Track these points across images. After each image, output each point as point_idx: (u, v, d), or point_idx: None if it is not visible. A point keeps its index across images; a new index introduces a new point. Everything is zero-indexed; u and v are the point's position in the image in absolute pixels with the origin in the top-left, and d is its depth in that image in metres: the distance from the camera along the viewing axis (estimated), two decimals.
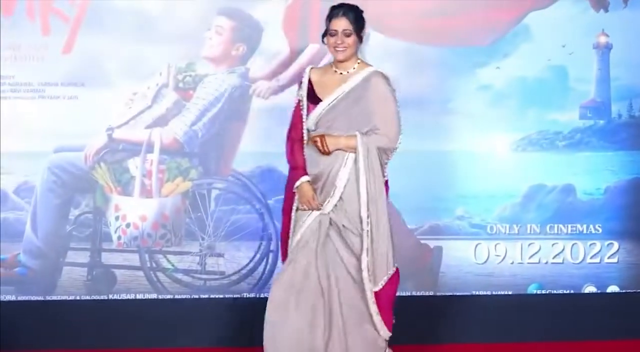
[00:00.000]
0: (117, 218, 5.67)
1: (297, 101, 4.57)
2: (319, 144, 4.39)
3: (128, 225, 5.67)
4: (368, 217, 4.43)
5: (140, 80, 5.63)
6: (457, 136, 5.83)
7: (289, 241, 4.53)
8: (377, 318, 4.50)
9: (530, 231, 5.92)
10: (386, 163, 4.53)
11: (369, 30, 5.33)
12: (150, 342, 5.51)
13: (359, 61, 4.51)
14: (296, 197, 4.50)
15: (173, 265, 5.70)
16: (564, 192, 5.91)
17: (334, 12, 4.45)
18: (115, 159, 5.66)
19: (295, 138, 4.55)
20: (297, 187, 4.45)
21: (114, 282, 5.69)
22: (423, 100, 5.76)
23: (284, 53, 5.62)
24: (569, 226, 5.93)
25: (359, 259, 4.45)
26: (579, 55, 5.82)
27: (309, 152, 4.51)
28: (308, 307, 4.35)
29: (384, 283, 4.53)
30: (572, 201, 5.92)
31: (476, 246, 5.87)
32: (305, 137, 4.53)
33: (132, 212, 5.66)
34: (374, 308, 4.46)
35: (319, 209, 4.42)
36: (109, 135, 5.63)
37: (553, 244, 5.92)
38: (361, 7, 5.29)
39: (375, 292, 4.49)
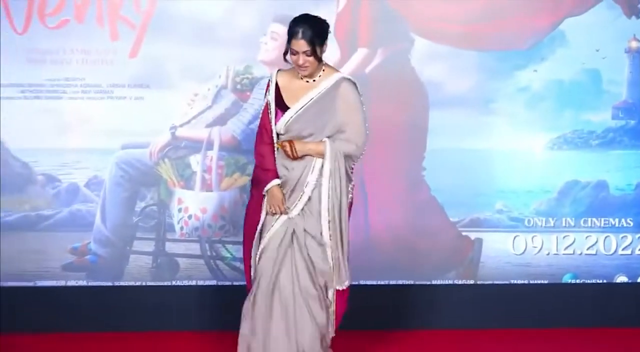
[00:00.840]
0: (179, 210, 5.78)
1: (265, 104, 4.50)
2: (288, 149, 4.36)
3: (190, 217, 5.77)
4: (329, 221, 4.39)
5: (201, 82, 5.71)
6: (497, 135, 5.86)
7: (254, 242, 4.45)
8: (332, 317, 4.50)
9: (565, 224, 5.95)
10: (352, 170, 4.50)
11: (414, 36, 5.66)
12: (210, 325, 5.62)
13: (324, 68, 4.44)
14: (265, 199, 4.42)
15: (231, 254, 5.79)
16: (597, 188, 5.94)
17: (294, 30, 4.30)
18: (177, 156, 5.76)
19: (265, 141, 4.47)
20: (267, 190, 4.39)
21: (177, 269, 5.81)
22: (465, 101, 5.82)
23: (335, 56, 5.63)
24: (602, 219, 5.96)
25: (314, 270, 4.39)
26: (611, 59, 5.84)
27: (277, 156, 4.47)
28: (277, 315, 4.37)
29: (344, 287, 4.49)
30: (604, 196, 5.94)
31: (514, 238, 5.92)
32: (275, 141, 4.47)
33: (194, 205, 5.76)
34: (331, 309, 4.48)
35: (286, 213, 4.37)
36: (172, 134, 5.73)
37: (587, 237, 5.96)
38: (408, 14, 5.54)
39: (337, 291, 4.49)
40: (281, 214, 4.36)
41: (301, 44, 4.25)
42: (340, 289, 4.47)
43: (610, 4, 5.80)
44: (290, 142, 4.34)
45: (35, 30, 5.57)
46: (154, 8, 5.62)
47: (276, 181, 4.37)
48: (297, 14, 4.42)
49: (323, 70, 4.41)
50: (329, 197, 4.36)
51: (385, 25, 5.76)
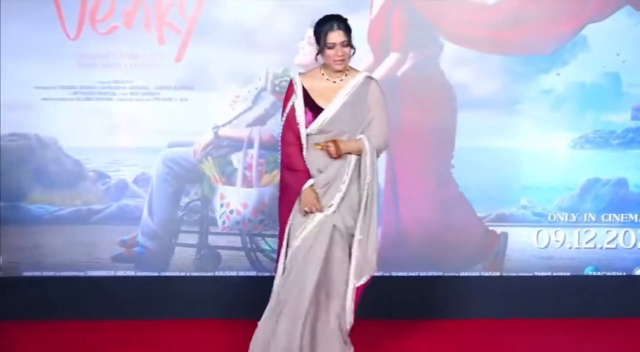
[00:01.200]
0: (222, 205, 5.86)
1: (290, 106, 4.42)
2: (333, 149, 4.31)
3: (231, 211, 5.86)
4: (365, 215, 4.40)
5: (242, 84, 5.79)
6: (521, 135, 5.90)
7: (283, 243, 4.44)
8: (350, 309, 4.45)
9: (587, 219, 5.99)
10: None
11: (443, 41, 5.75)
12: (250, 314, 5.22)
13: (348, 69, 4.43)
14: (296, 201, 4.38)
15: (270, 246, 5.86)
16: (617, 185, 5.98)
17: (328, 25, 4.31)
18: (220, 154, 5.85)
19: (293, 142, 4.40)
20: (302, 191, 4.34)
21: (219, 261, 5.90)
22: (492, 103, 5.87)
23: (368, 61, 5.71)
24: (622, 215, 6.00)
25: (347, 265, 4.40)
26: (631, 63, 5.88)
27: (312, 156, 4.41)
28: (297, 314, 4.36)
29: (366, 280, 4.46)
30: (624, 193, 5.98)
31: (538, 232, 5.96)
32: (304, 142, 4.41)
33: (235, 200, 5.85)
34: (350, 299, 4.43)
35: (321, 212, 4.35)
36: (214, 133, 5.81)
37: (607, 231, 5.99)
38: (437, 20, 5.60)
39: (357, 287, 4.45)
40: (314, 212, 4.34)
41: (339, 35, 4.28)
42: (364, 282, 4.46)
43: (630, 11, 5.84)
44: (334, 142, 4.32)
45: (86, 35, 5.68)
46: (199, 14, 5.71)
47: (310, 182, 4.34)
48: None
49: (347, 70, 4.42)
50: (367, 193, 4.38)
51: (416, 31, 5.80)
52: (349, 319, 4.43)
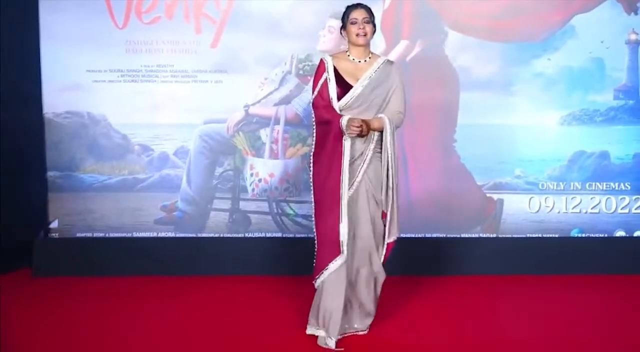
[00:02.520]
0: (251, 175, 6.06)
1: (322, 82, 4.43)
2: (362, 128, 4.32)
3: (260, 180, 6.06)
4: (392, 183, 4.47)
5: (270, 68, 5.97)
6: (516, 113, 6.06)
7: (342, 191, 4.37)
8: (382, 255, 4.59)
9: (573, 187, 6.15)
10: None
11: (447, 30, 5.84)
12: (276, 271, 5.90)
13: (371, 52, 4.53)
14: (345, 145, 4.34)
15: (294, 211, 6.09)
16: (600, 157, 6.13)
17: (352, 6, 4.47)
18: (250, 129, 6.03)
19: (327, 105, 4.41)
20: (344, 121, 4.33)
21: (249, 224, 6.10)
22: (490, 85, 6.03)
23: (381, 47, 5.88)
24: (604, 183, 6.16)
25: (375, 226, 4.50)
26: (613, 49, 6.03)
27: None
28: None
29: (394, 239, 4.59)
30: (606, 164, 6.14)
31: (530, 199, 6.13)
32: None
33: (263, 170, 6.04)
34: (376, 250, 4.57)
35: (365, 134, 4.33)
36: (245, 111, 6.01)
37: (591, 198, 6.16)
38: (443, 11, 5.73)
39: (388, 244, 4.59)
40: (361, 133, 4.32)
41: (361, 12, 4.44)
42: (392, 241, 4.61)
43: (613, 3, 6.01)
44: (363, 121, 4.36)
45: (132, 25, 5.91)
46: (231, 7, 5.93)
47: (346, 117, 4.33)
48: None
49: (370, 54, 4.53)
50: (390, 166, 4.47)
51: (424, 21, 5.97)
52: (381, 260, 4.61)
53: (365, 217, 4.52)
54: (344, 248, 4.43)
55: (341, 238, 4.42)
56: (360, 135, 4.40)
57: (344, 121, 4.36)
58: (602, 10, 6.05)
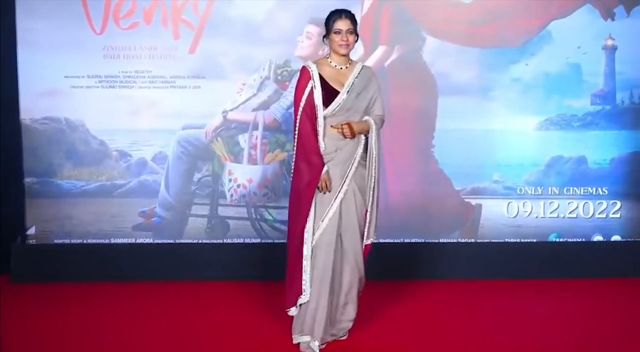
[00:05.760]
0: (230, 180, 5.95)
1: (309, 91, 4.36)
2: (347, 130, 4.34)
3: (238, 186, 5.95)
4: (374, 184, 4.50)
5: (248, 74, 5.87)
6: (494, 118, 6.00)
7: (309, 219, 4.37)
8: (361, 262, 4.55)
9: (551, 192, 6.08)
10: None
11: (425, 35, 5.77)
12: (255, 276, 5.77)
13: (350, 59, 4.49)
14: (320, 180, 4.36)
15: (272, 217, 5.98)
16: (577, 162, 6.07)
17: (337, 14, 4.39)
18: (228, 135, 5.93)
19: (310, 132, 4.35)
20: (323, 176, 4.36)
21: (228, 229, 5.99)
22: (468, 90, 5.97)
23: (359, 52, 5.80)
24: (582, 188, 6.09)
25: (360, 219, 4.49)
26: (590, 55, 5.98)
27: (330, 137, 4.41)
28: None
29: (372, 240, 4.59)
30: (584, 169, 6.07)
31: (508, 203, 6.06)
32: (321, 124, 4.38)
33: (242, 176, 5.94)
34: (361, 255, 4.56)
35: (329, 191, 4.37)
36: (224, 117, 5.90)
37: (569, 203, 6.09)
38: (421, 17, 5.68)
39: (365, 245, 4.59)
40: (325, 191, 4.37)
41: (346, 23, 4.37)
42: (369, 243, 4.60)
43: (590, 9, 5.96)
44: (349, 124, 4.37)
45: (110, 31, 5.80)
46: (210, 12, 5.83)
47: (325, 168, 4.37)
48: None
49: (350, 60, 4.48)
50: (374, 167, 4.49)
51: (402, 27, 5.90)
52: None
53: (352, 222, 4.50)
54: (307, 284, 4.44)
55: (304, 263, 4.44)
56: (347, 137, 4.41)
57: (323, 172, 4.38)
58: (578, 16, 6.01)
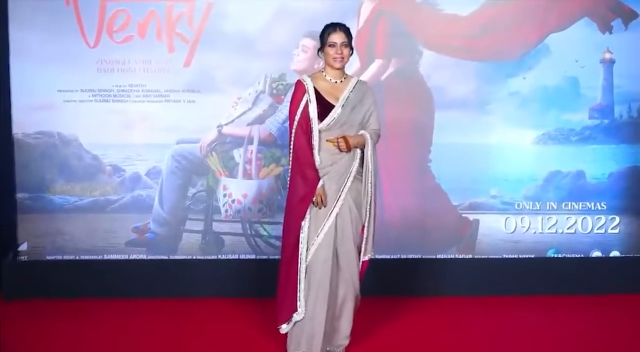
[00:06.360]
0: (224, 195, 5.89)
1: (304, 105, 4.37)
2: (343, 144, 4.35)
3: (233, 201, 5.89)
4: (371, 199, 4.48)
5: (243, 87, 5.82)
6: (492, 132, 5.94)
7: (304, 231, 4.38)
8: (356, 278, 4.54)
9: (549, 207, 6.03)
10: None
11: (422, 49, 5.75)
12: (250, 293, 5.72)
13: (345, 73, 4.51)
14: (311, 205, 4.38)
15: (268, 232, 5.92)
16: (576, 176, 6.02)
17: (332, 27, 4.40)
18: (223, 150, 5.87)
19: (305, 145, 4.36)
20: (318, 191, 4.37)
21: (222, 245, 5.93)
22: (466, 104, 5.91)
23: (355, 66, 5.74)
24: (580, 203, 6.04)
25: (356, 234, 4.49)
26: (588, 68, 5.93)
27: (325, 151, 4.42)
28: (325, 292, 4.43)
29: (370, 256, 4.58)
30: (582, 183, 6.02)
31: (506, 219, 6.01)
32: (316, 138, 4.40)
33: (237, 191, 5.88)
34: (357, 271, 4.55)
35: (324, 206, 4.39)
36: (218, 131, 5.85)
37: (567, 218, 6.03)
38: (417, 31, 5.67)
39: (363, 261, 4.58)
40: (321, 206, 4.39)
41: (340, 36, 4.37)
42: (366, 259, 4.58)
43: (588, 22, 5.90)
44: (344, 138, 4.37)
45: (104, 44, 5.73)
46: (205, 25, 5.76)
47: (321, 183, 4.38)
48: None
49: (345, 74, 4.51)
50: (371, 182, 4.46)
51: (398, 40, 5.85)
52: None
53: (348, 237, 4.48)
54: (302, 301, 4.43)
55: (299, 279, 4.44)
56: (343, 151, 4.41)
57: (318, 186, 4.38)
58: (576, 29, 5.96)
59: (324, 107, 4.41)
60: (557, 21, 5.94)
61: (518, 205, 6.08)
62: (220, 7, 5.81)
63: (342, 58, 4.41)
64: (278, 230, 5.67)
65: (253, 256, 5.98)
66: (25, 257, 5.88)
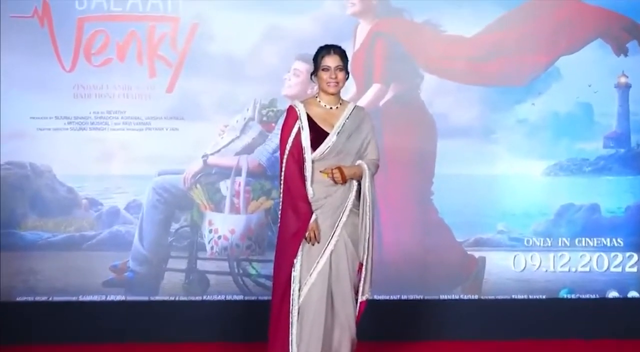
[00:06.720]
0: (210, 231, 5.77)
1: (295, 132, 4.25)
2: (338, 175, 4.22)
3: (219, 237, 5.76)
4: (368, 235, 4.33)
5: (231, 114, 5.73)
6: (498, 162, 5.84)
7: (296, 269, 4.23)
8: (353, 321, 4.34)
9: (561, 243, 5.91)
10: None
11: (423, 73, 5.71)
12: (238, 337, 5.57)
13: (341, 99, 4.38)
14: (304, 241, 4.23)
15: (257, 271, 5.78)
16: (590, 210, 5.91)
17: (325, 50, 4.30)
18: (209, 181, 5.76)
19: (297, 176, 4.23)
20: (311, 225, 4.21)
21: (207, 285, 5.78)
22: (470, 132, 5.83)
23: (352, 91, 5.66)
24: (595, 239, 5.91)
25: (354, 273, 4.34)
26: (602, 94, 5.85)
27: (319, 183, 4.28)
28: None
29: (367, 297, 4.40)
30: (597, 218, 5.90)
31: (515, 256, 5.88)
32: (309, 168, 4.27)
33: (223, 226, 5.75)
34: (354, 313, 4.35)
35: (318, 242, 4.23)
36: (204, 161, 5.74)
37: (581, 255, 5.91)
38: (418, 53, 5.60)
39: (360, 302, 4.40)
40: (314, 242, 4.24)
41: (335, 59, 4.26)
42: (364, 300, 4.40)
43: (601, 44, 5.82)
44: (339, 168, 4.24)
45: (81, 68, 5.63)
46: (189, 48, 5.67)
47: (314, 217, 4.22)
48: None
49: (340, 100, 4.38)
50: (368, 216, 4.31)
51: (397, 63, 5.78)
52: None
53: (344, 276, 4.33)
54: (294, 344, 4.26)
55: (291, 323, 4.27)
56: (338, 183, 4.28)
57: (311, 220, 4.23)
58: (589, 52, 5.87)
59: (318, 135, 4.28)
60: (569, 43, 5.87)
61: (527, 241, 5.96)
62: (205, 27, 5.74)
63: (337, 83, 4.30)
64: (268, 269, 5.55)
65: (241, 297, 5.84)
66: None
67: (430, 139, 5.84)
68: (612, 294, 5.94)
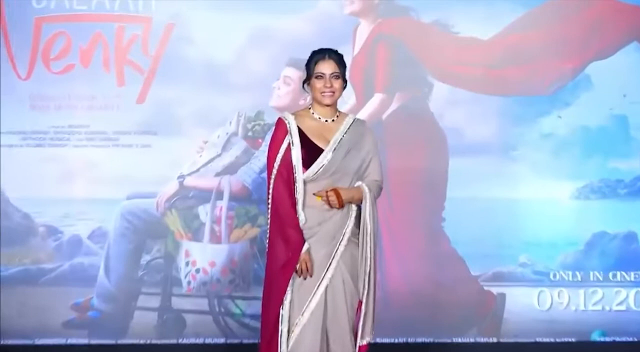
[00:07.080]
0: (187, 264, 5.60)
1: (285, 148, 4.05)
2: (334, 199, 4.01)
3: (198, 270, 5.59)
4: (370, 268, 4.10)
5: (211, 129, 5.62)
6: (519, 184, 5.70)
7: (285, 308, 4.02)
8: None
9: (593, 278, 5.75)
10: None
11: (432, 80, 5.46)
12: None
13: (338, 110, 4.19)
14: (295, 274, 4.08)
15: (241, 310, 5.62)
16: (626, 239, 5.74)
17: (319, 55, 4.11)
18: (186, 206, 5.62)
19: (286, 199, 4.04)
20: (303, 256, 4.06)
21: (184, 326, 5.62)
22: (487, 149, 5.70)
23: (351, 102, 5.51)
24: (632, 273, 5.75)
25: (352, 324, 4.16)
26: (639, 105, 5.74)
27: (311, 207, 4.07)
28: None
29: (369, 340, 4.18)
30: (635, 248, 5.76)
31: (539, 292, 5.72)
32: (300, 190, 4.07)
33: (202, 258, 5.60)
34: None
35: (311, 276, 4.06)
36: (180, 183, 5.59)
37: (616, 291, 5.74)
38: (425, 58, 5.37)
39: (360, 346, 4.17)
40: (305, 275, 4.01)
41: (330, 66, 4.00)
42: (365, 344, 4.11)
43: (637, 47, 5.69)
44: (335, 191, 3.97)
45: (39, 75, 5.50)
46: (163, 52, 5.54)
47: (306, 247, 3.99)
48: None
49: (338, 112, 4.10)
50: (370, 246, 4.07)
51: (403, 70, 5.67)
52: None
53: (341, 316, 4.04)
54: None
55: None
56: (334, 207, 4.04)
57: (303, 250, 3.99)
58: (623, 56, 5.69)
59: (311, 152, 4.00)
60: (600, 47, 5.71)
61: (554, 275, 5.78)
62: (182, 29, 5.59)
63: (333, 92, 4.00)
64: (254, 307, 5.51)
65: (222, 340, 5.65)
66: None
67: (441, 156, 5.71)
68: None
